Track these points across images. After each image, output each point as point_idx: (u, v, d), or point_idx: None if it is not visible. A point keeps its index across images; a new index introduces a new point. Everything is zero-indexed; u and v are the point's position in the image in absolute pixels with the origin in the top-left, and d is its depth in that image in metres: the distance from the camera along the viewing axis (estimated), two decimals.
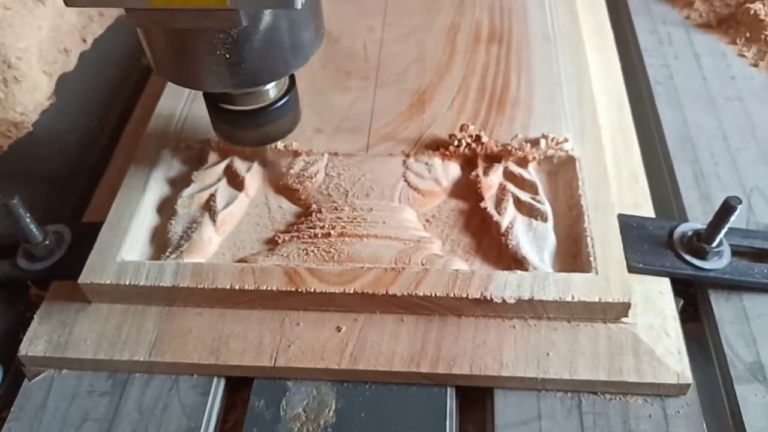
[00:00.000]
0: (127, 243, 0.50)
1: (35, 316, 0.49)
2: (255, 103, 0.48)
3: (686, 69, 0.68)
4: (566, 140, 0.55)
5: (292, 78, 0.50)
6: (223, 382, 0.47)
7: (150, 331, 0.47)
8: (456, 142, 0.56)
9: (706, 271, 0.49)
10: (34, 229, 0.50)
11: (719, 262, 0.49)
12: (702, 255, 0.49)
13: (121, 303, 0.49)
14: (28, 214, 0.50)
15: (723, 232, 0.48)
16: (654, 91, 0.65)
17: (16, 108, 0.65)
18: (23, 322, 0.50)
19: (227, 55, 0.42)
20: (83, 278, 0.48)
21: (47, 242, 0.51)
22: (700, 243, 0.49)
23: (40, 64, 0.67)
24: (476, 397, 0.46)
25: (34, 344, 0.47)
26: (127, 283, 0.47)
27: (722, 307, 0.49)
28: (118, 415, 0.45)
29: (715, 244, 0.48)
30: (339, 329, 0.47)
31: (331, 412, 0.44)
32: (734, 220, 0.47)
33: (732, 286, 0.49)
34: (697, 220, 0.53)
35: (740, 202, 0.46)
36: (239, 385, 0.48)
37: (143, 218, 0.52)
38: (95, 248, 0.49)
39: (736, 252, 0.50)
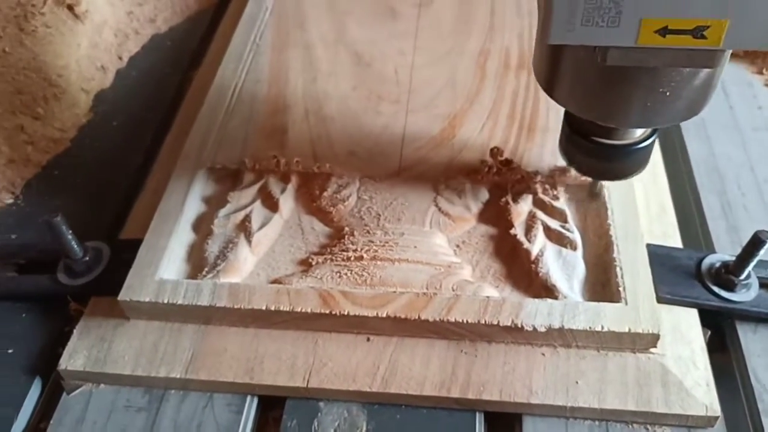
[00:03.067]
0: (164, 261, 0.51)
1: (74, 330, 0.50)
2: (629, 139, 0.48)
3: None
4: None
5: None
6: (256, 400, 0.48)
7: (186, 349, 0.48)
8: (486, 168, 0.57)
9: (734, 303, 0.49)
10: (75, 246, 0.51)
11: (747, 294, 0.49)
12: (730, 287, 0.49)
13: (158, 320, 0.50)
14: (70, 231, 0.51)
15: (752, 265, 0.48)
16: None
17: (54, 124, 0.66)
18: (62, 336, 0.51)
19: (667, 93, 0.41)
20: (123, 296, 0.49)
21: (87, 258, 0.52)
22: (728, 275, 0.49)
23: (78, 82, 0.69)
24: (505, 423, 0.47)
25: (73, 359, 0.48)
26: (166, 301, 0.48)
27: (750, 339, 0.49)
28: (154, 431, 0.46)
29: (743, 276, 0.49)
30: (369, 341, 0.48)
31: None
32: (763, 253, 0.48)
33: (760, 319, 0.49)
34: (724, 250, 0.53)
35: None
36: (272, 404, 0.49)
37: (180, 237, 0.53)
38: (134, 266, 0.51)
39: (765, 284, 0.50)
